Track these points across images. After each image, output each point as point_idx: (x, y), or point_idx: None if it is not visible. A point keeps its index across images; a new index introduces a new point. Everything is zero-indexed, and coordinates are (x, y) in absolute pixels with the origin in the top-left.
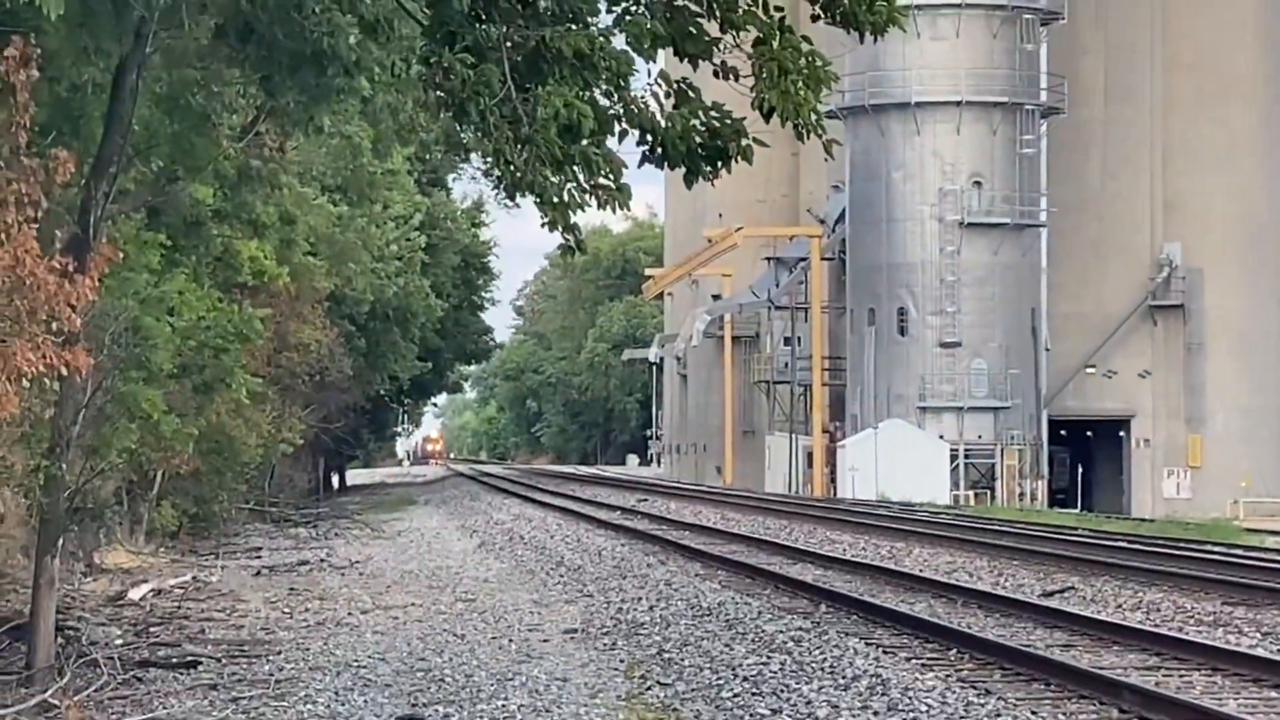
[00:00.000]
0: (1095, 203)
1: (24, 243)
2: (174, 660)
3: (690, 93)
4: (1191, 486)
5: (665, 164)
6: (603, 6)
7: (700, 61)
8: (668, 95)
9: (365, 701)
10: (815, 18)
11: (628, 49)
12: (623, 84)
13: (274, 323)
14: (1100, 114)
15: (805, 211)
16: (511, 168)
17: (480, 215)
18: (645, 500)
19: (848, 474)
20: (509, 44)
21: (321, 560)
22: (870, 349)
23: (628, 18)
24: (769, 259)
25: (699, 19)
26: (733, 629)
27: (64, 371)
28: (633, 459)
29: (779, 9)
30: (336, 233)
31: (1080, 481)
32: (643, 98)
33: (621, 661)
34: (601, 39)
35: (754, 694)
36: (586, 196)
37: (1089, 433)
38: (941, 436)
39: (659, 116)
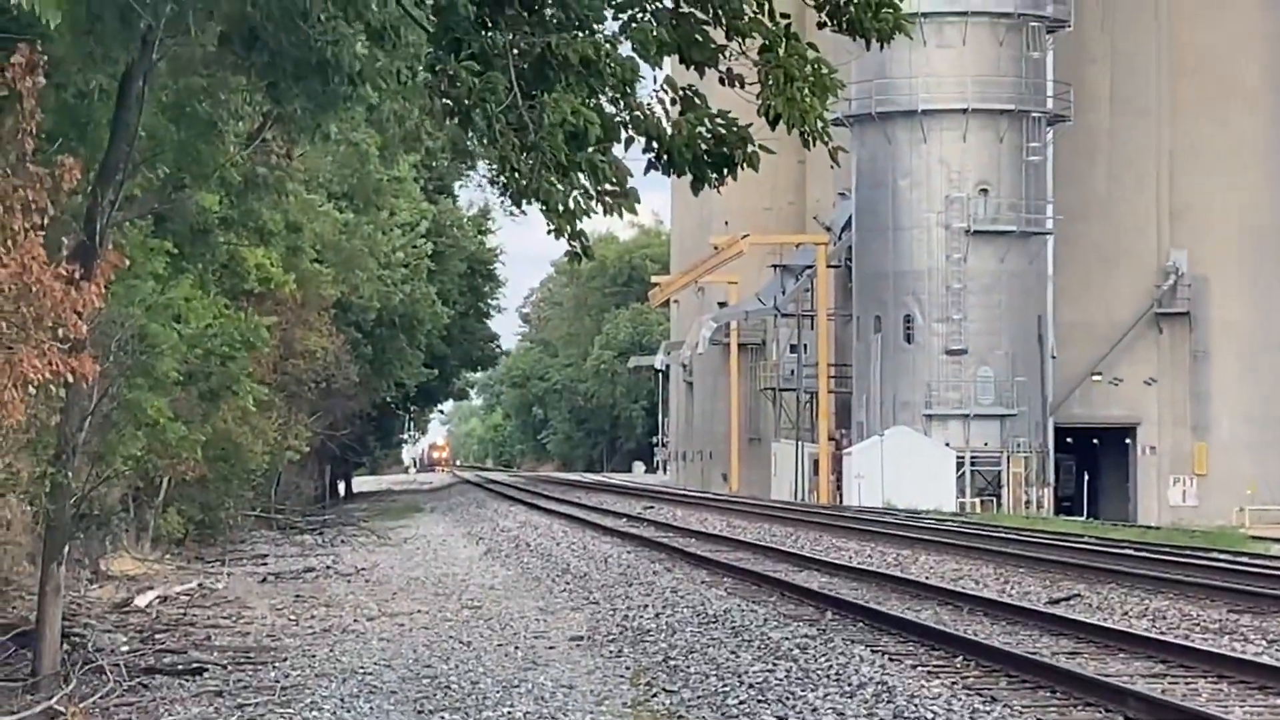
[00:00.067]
0: (1101, 210)
1: (31, 250)
2: (180, 667)
3: (696, 100)
4: (1197, 494)
5: (671, 171)
6: (609, 14)
7: (706, 69)
8: (674, 102)
9: (371, 709)
10: (821, 25)
11: (634, 55)
12: (629, 91)
13: (280, 330)
14: (1106, 121)
15: (811, 219)
16: (517, 174)
17: (486, 222)
18: (651, 507)
19: (854, 481)
20: (515, 51)
21: (327, 567)
22: (876, 356)
23: (634, 25)
24: (775, 266)
25: (705, 26)
26: (739, 636)
27: (70, 378)
28: (639, 466)
29: (785, 16)
30: (343, 240)
31: (1086, 489)
32: (649, 105)
33: (627, 668)
34: (608, 46)
35: (759, 701)
36: (592, 203)
37: (1095, 440)
38: (947, 444)
39: (665, 124)
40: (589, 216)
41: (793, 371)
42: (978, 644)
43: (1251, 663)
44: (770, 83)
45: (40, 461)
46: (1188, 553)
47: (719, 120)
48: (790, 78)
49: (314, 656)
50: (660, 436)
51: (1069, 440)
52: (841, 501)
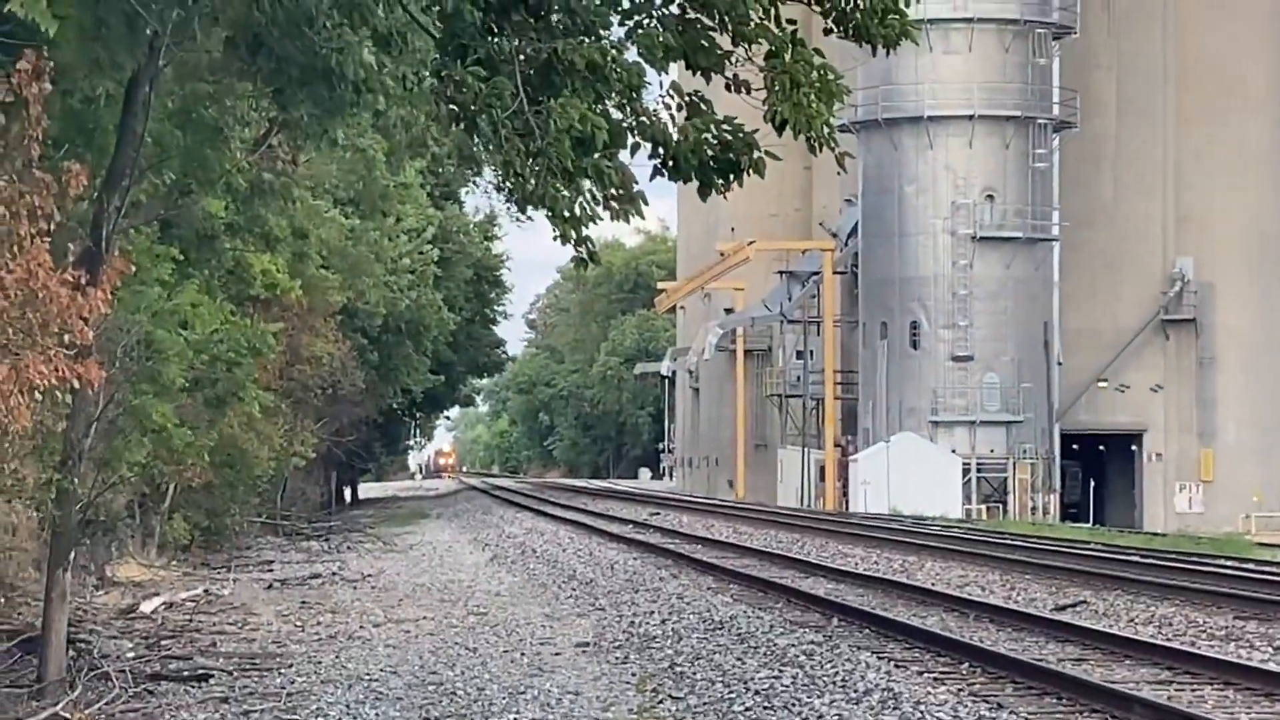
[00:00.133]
0: (1107, 217)
1: (37, 256)
2: (185, 673)
3: (702, 106)
4: (1203, 501)
5: (677, 177)
6: (615, 19)
7: (712, 75)
8: (680, 108)
9: (377, 715)
10: (828, 31)
11: (640, 61)
12: (635, 96)
13: (286, 336)
14: (1112, 128)
15: (818, 225)
16: (523, 180)
17: (492, 228)
18: (657, 514)
19: (860, 488)
20: (521, 57)
21: (334, 573)
22: (882, 363)
23: (640, 31)
24: (781, 273)
25: (711, 32)
26: (745, 643)
27: (76, 384)
28: (645, 473)
29: (791, 22)
30: (349, 246)
31: (1092, 495)
32: (655, 111)
33: (633, 675)
34: (614, 51)
35: (766, 708)
36: (599, 208)
37: (1101, 447)
38: (953, 450)
39: (671, 129)
40: (595, 222)
41: (799, 378)
42: (984, 650)
43: (1257, 669)
44: (776, 88)
45: (46, 467)
46: (1194, 559)
47: (725, 126)
48: (796, 83)
49: (320, 663)
50: (666, 443)
51: (1075, 447)
52: (847, 508)
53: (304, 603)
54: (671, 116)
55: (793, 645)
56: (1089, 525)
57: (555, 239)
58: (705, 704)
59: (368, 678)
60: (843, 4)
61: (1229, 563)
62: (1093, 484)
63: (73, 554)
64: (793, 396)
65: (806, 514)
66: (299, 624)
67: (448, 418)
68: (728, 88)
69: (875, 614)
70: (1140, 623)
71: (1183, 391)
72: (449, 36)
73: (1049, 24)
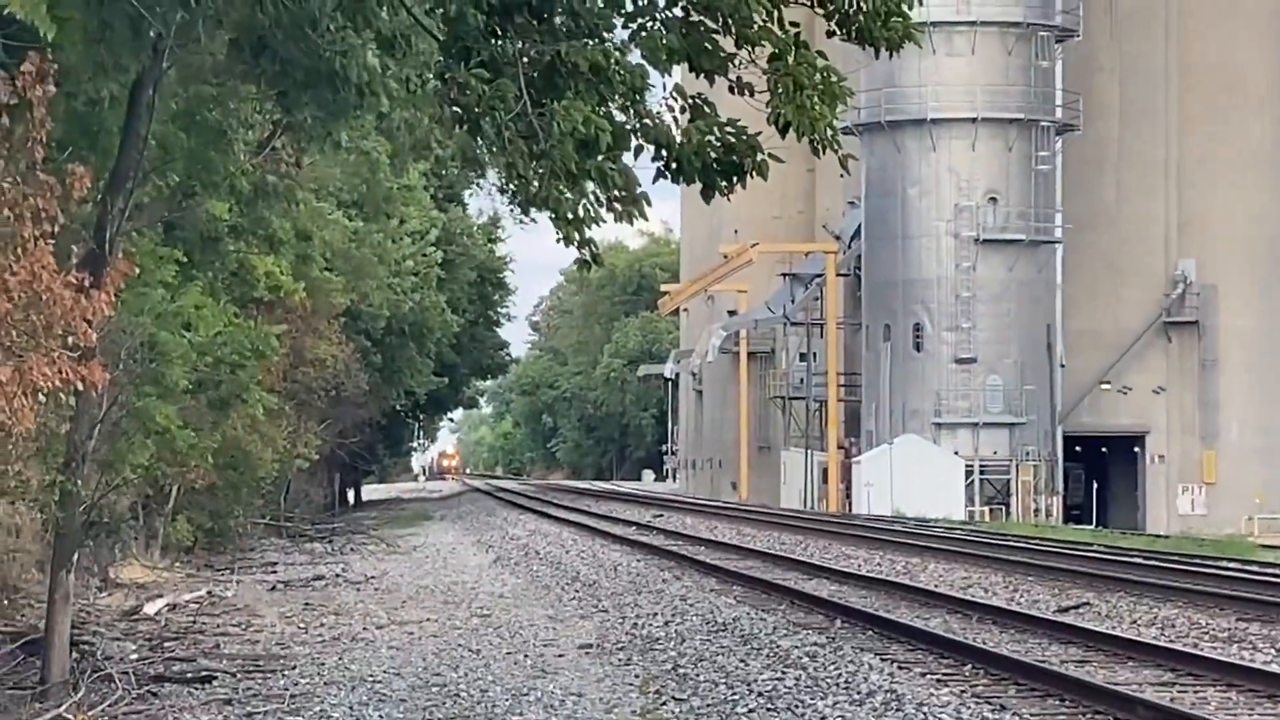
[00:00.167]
0: (1110, 219)
1: (41, 258)
2: (189, 675)
3: (706, 108)
4: (1206, 502)
5: (681, 179)
6: (618, 22)
7: (716, 77)
8: (683, 110)
9: (380, 717)
10: (831, 34)
11: (643, 63)
12: (638, 98)
13: (290, 338)
14: (1115, 130)
15: (821, 228)
16: (526, 182)
17: (496, 231)
18: (661, 516)
19: (863, 489)
20: (525, 59)
21: (337, 575)
22: (886, 365)
23: (643, 33)
24: (785, 275)
25: (714, 35)
26: (748, 644)
27: (80, 386)
28: (648, 474)
29: (794, 25)
30: (352, 248)
31: (1095, 497)
32: (658, 113)
33: (636, 677)
34: (617, 54)
35: (769, 709)
36: (602, 210)
37: (1104, 449)
38: (956, 452)
39: (675, 131)
40: (598, 224)
41: (802, 380)
42: (987, 652)
43: (1260, 671)
44: (780, 91)
45: (50, 469)
46: (1196, 561)
47: (728, 128)
48: (800, 86)
49: (323, 665)
50: (670, 445)
51: (1078, 449)
52: (851, 510)
53: (307, 604)
54: (675, 119)
55: (796, 647)
56: (1091, 527)
57: (558, 241)
58: (708, 706)
59: (371, 679)
60: (846, 6)
61: (1232, 565)
62: (1095, 486)
63: (76, 556)
64: (796, 398)
65: (810, 516)
66: (302, 626)
67: (451, 419)
68: (731, 90)
69: (878, 616)
70: (1143, 624)
71: (1185, 393)
72: (452, 39)
73: (1051, 27)
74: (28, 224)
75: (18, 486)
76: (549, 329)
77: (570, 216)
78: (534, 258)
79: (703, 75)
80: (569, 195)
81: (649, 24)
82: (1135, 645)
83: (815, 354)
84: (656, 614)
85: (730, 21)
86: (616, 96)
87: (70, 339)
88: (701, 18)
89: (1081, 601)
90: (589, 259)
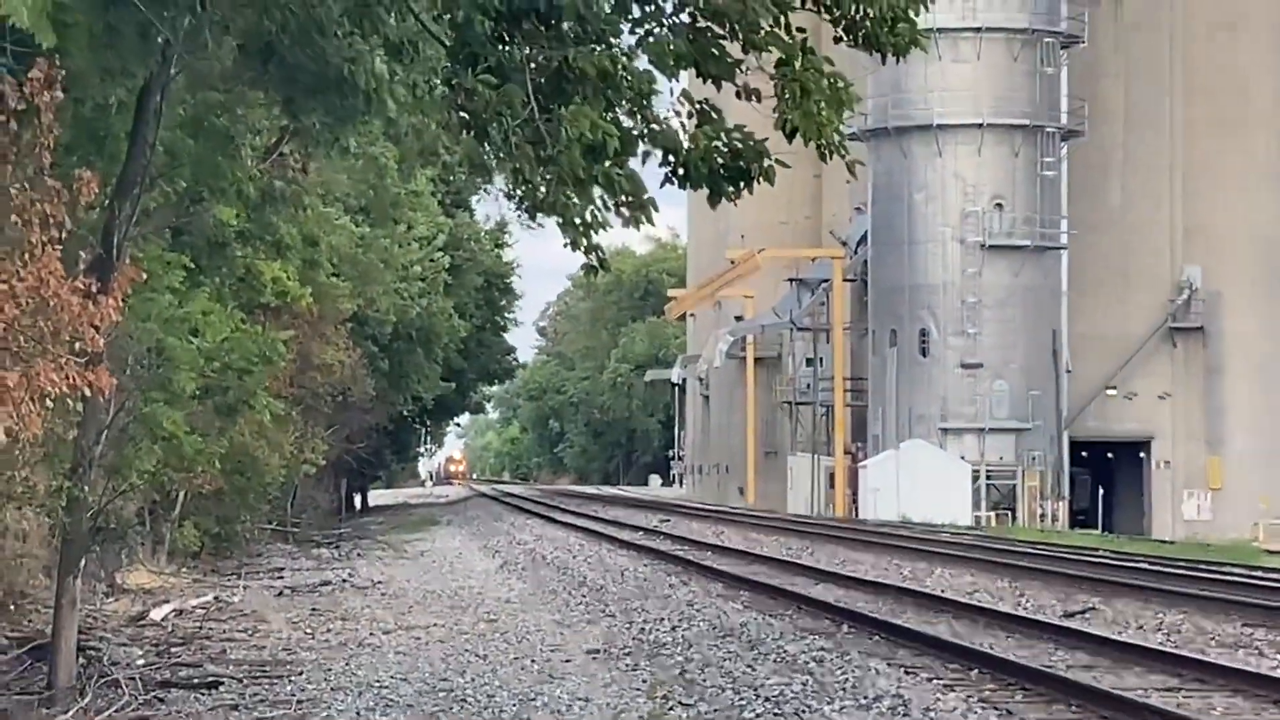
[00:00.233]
0: (1116, 225)
1: (48, 264)
2: (195, 681)
3: (713, 114)
4: (1211, 508)
5: (688, 185)
6: (625, 28)
7: (723, 82)
8: (690, 116)
9: None
10: (838, 39)
11: (650, 69)
12: (645, 104)
13: (296, 344)
14: (1120, 137)
15: (827, 233)
16: (534, 188)
17: (503, 236)
18: (667, 521)
19: (869, 495)
20: (532, 65)
21: (344, 581)
22: (892, 370)
23: (651, 39)
24: (791, 280)
25: (721, 40)
26: (755, 649)
27: (87, 392)
28: (655, 480)
29: (801, 30)
30: (360, 253)
31: (1101, 503)
32: (665, 119)
33: (644, 682)
34: (625, 59)
35: (776, 715)
36: (609, 215)
37: (1109, 454)
38: (963, 457)
39: (682, 137)
40: (605, 229)
41: (809, 385)
42: (994, 657)
43: (1266, 677)
44: (787, 96)
45: (57, 475)
46: (1202, 567)
47: (735, 134)
48: (807, 91)
49: (330, 670)
50: (676, 450)
51: (1083, 454)
52: (857, 515)
53: (314, 610)
54: (682, 124)
55: (803, 652)
56: (1097, 532)
57: (565, 246)
58: (715, 711)
59: (378, 685)
60: (853, 13)
61: (1237, 570)
62: (1101, 491)
63: (83, 561)
64: (803, 404)
65: (816, 521)
66: (309, 631)
67: (458, 424)
68: (738, 95)
69: (885, 621)
70: (1149, 630)
71: (1190, 399)
72: (460, 45)
73: (1057, 33)
74: (35, 229)
75: (25, 492)
76: (556, 334)
77: (578, 222)
78: (541, 263)
79: (710, 81)
80: (576, 200)
81: (656, 30)
82: (1141, 650)
83: (822, 359)
84: (663, 619)
85: (737, 27)
86: (624, 102)
87: (78, 345)
88: (708, 23)
89: (1088, 607)
90: (596, 264)
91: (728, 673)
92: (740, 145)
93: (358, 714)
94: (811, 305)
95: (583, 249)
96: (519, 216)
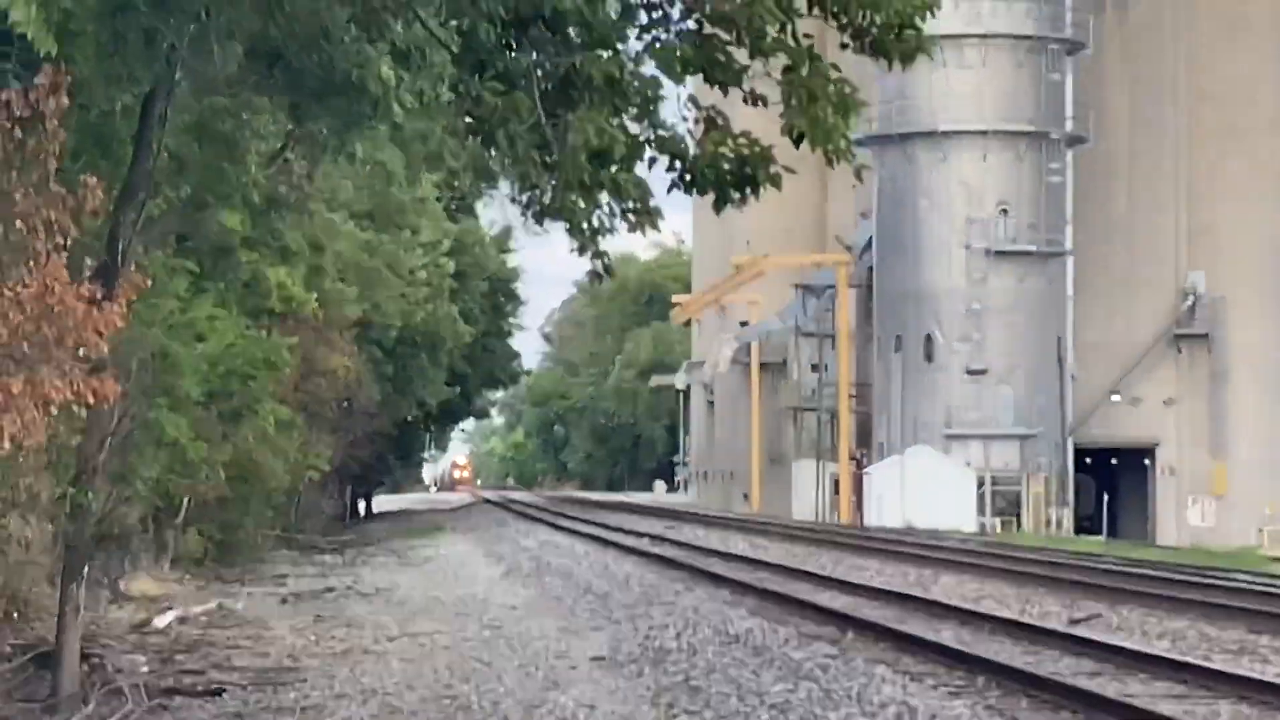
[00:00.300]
0: (1121, 231)
1: (54, 270)
2: (199, 688)
3: (719, 120)
4: (1216, 515)
5: (695, 191)
6: (632, 34)
7: (730, 88)
8: (697, 122)
9: None
10: (844, 46)
11: (657, 75)
12: (652, 110)
13: (301, 349)
14: (1125, 143)
15: (833, 239)
16: (540, 193)
17: (508, 241)
18: (672, 527)
19: (874, 501)
20: (539, 71)
21: (348, 587)
22: (897, 376)
23: (657, 44)
24: (797, 286)
25: (728, 46)
26: (760, 656)
27: (91, 399)
28: (660, 486)
29: (808, 36)
30: (364, 258)
31: (1105, 509)
32: (672, 124)
33: (649, 689)
34: (631, 65)
35: None
36: (616, 220)
37: (1114, 460)
38: (968, 464)
39: (689, 142)
40: (612, 234)
41: (813, 391)
42: (999, 664)
43: (1272, 684)
44: (794, 102)
45: (60, 482)
46: (1207, 573)
47: (742, 140)
48: (814, 97)
49: (334, 677)
50: (681, 456)
51: (1088, 460)
52: (862, 521)
53: (318, 617)
54: (689, 130)
55: (808, 659)
56: (1102, 539)
57: (572, 251)
58: (721, 718)
59: (382, 692)
60: (859, 19)
61: (1243, 577)
62: (1106, 498)
63: (86, 568)
64: (807, 410)
65: (821, 527)
66: (313, 638)
67: (463, 430)
68: (745, 101)
69: (890, 628)
70: (1154, 636)
71: (1195, 405)
72: (467, 51)
73: (1062, 39)
74: (40, 236)
75: (28, 500)
76: (560, 340)
77: (585, 227)
78: (546, 269)
79: (716, 87)
80: (583, 206)
81: (663, 35)
82: (1147, 657)
83: (827, 365)
84: (668, 626)
85: (744, 33)
86: (631, 108)
87: (82, 351)
88: (715, 30)
89: (1093, 613)
90: (602, 270)
91: (733, 680)
92: (747, 151)
93: None
94: (816, 311)
95: (589, 254)
96: (525, 222)
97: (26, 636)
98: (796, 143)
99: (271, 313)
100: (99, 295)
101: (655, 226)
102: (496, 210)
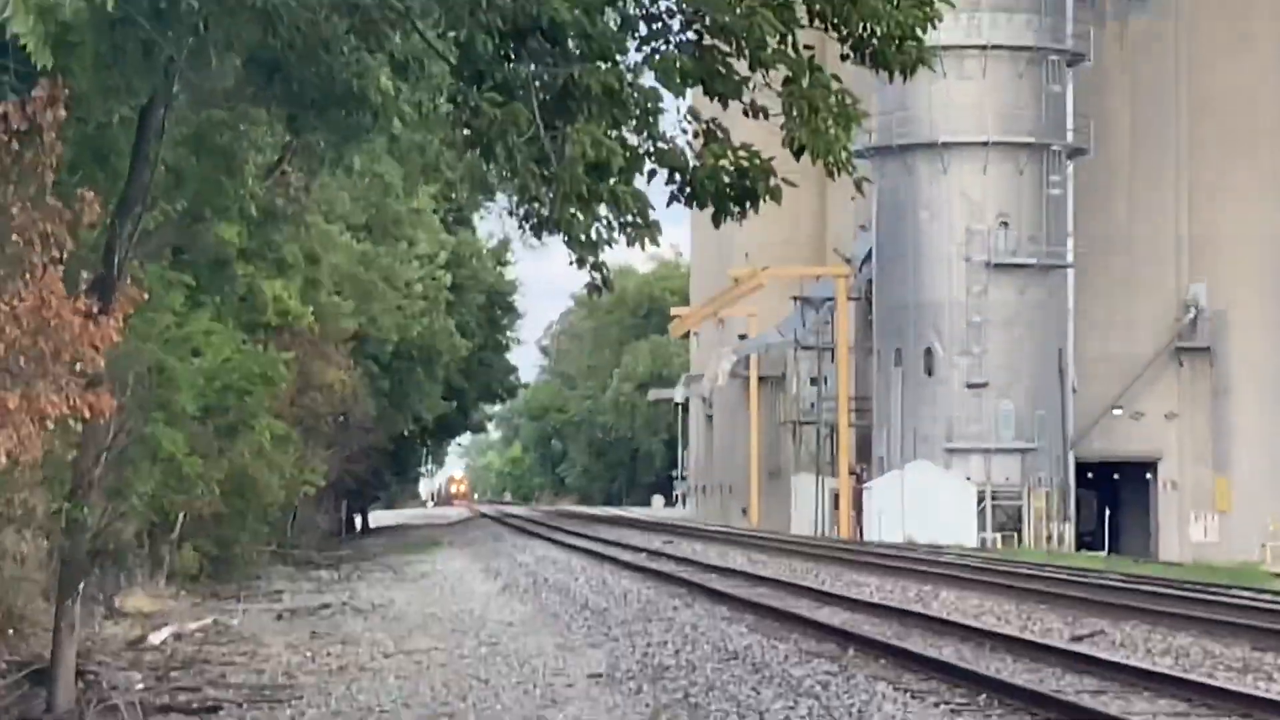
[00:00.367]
0: (1122, 243)
1: (50, 284)
2: (195, 705)
3: (719, 133)
4: (1219, 530)
5: (695, 204)
6: (632, 45)
7: (730, 100)
8: (696, 135)
9: None
10: (845, 57)
11: (657, 86)
12: (652, 121)
13: (298, 363)
14: (1126, 154)
15: (832, 251)
16: (539, 205)
17: (505, 254)
18: (671, 542)
19: (874, 516)
20: (538, 83)
21: (344, 603)
22: (897, 389)
23: (657, 56)
24: (796, 299)
25: (728, 58)
26: (759, 673)
27: (87, 414)
28: (658, 500)
29: (809, 48)
30: (361, 271)
31: (1107, 524)
32: (672, 137)
33: (647, 706)
34: (630, 76)
35: None
36: (614, 233)
37: (1115, 475)
38: (968, 478)
39: (689, 154)
40: (610, 247)
41: (813, 405)
42: (1001, 681)
43: (1277, 701)
44: (794, 114)
45: (56, 497)
46: (1210, 590)
47: (742, 153)
48: (814, 109)
49: (330, 695)
50: (680, 470)
51: (1089, 475)
52: (862, 536)
53: (314, 633)
54: (688, 143)
55: (808, 676)
56: (1104, 554)
57: (571, 264)
58: None
59: (379, 709)
60: (860, 30)
61: (1246, 593)
62: (1107, 512)
63: (82, 584)
64: (807, 423)
65: (821, 542)
66: (309, 655)
67: (460, 444)
68: (745, 113)
69: (891, 644)
70: (1157, 653)
71: (1197, 420)
72: (465, 62)
73: (1062, 51)
74: (37, 249)
75: (24, 515)
76: (558, 353)
77: (583, 239)
78: (543, 282)
79: (716, 98)
80: (581, 218)
81: (662, 47)
82: (1150, 675)
83: (826, 378)
84: (667, 642)
85: (744, 44)
86: (630, 120)
87: (78, 365)
88: (715, 41)
89: (1095, 630)
90: (600, 283)
91: (732, 697)
92: (747, 164)
93: None
94: (816, 324)
95: (587, 267)
96: (522, 235)
97: (21, 653)
98: (797, 155)
99: (268, 327)
100: (95, 309)
101: (654, 241)
102: (494, 223)
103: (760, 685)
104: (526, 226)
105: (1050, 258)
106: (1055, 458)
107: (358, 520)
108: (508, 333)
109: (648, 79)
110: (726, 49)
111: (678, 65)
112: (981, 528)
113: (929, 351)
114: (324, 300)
